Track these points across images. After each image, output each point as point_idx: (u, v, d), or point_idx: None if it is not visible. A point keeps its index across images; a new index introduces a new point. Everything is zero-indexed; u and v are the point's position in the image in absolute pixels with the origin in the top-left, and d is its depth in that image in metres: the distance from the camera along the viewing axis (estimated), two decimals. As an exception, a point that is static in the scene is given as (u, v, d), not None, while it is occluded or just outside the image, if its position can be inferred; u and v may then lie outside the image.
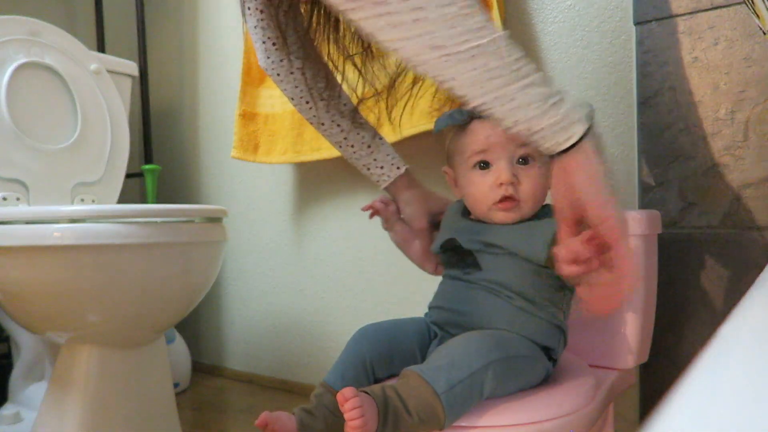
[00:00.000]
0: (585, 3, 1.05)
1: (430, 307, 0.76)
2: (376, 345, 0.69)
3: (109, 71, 1.42)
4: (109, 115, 1.37)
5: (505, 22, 1.11)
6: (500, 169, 0.67)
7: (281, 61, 0.78)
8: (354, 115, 0.83)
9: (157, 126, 1.78)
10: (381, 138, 0.83)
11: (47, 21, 1.30)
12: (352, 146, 0.82)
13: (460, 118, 0.70)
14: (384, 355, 0.69)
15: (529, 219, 0.69)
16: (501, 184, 0.67)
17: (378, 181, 0.83)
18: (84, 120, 1.31)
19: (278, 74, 0.79)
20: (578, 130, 0.53)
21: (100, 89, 1.36)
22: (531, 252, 0.66)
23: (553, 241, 0.64)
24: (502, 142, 0.67)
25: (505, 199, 0.67)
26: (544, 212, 0.70)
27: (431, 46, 0.48)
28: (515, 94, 0.51)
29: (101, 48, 1.68)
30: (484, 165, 0.69)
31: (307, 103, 0.81)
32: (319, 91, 0.80)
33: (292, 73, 0.79)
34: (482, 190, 0.69)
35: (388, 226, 0.84)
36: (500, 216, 0.69)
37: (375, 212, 0.84)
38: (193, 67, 1.73)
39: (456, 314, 0.70)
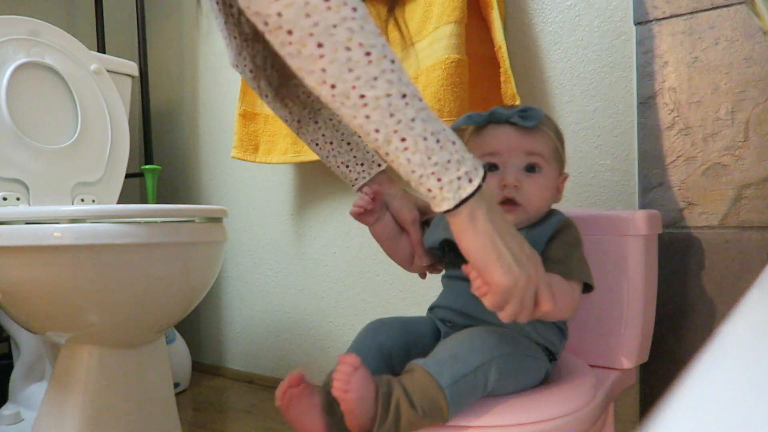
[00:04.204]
0: (585, 3, 1.05)
1: (433, 307, 0.76)
2: (394, 335, 0.69)
3: (109, 71, 1.42)
4: (109, 115, 1.37)
5: (505, 22, 1.11)
6: (505, 173, 0.69)
7: (254, 57, 0.75)
8: (329, 112, 0.80)
9: (157, 126, 1.78)
10: (359, 136, 0.81)
11: (47, 21, 1.30)
12: (331, 143, 0.79)
13: (478, 120, 0.72)
14: (402, 347, 0.69)
15: (535, 223, 0.70)
16: (504, 186, 0.69)
17: (356, 179, 0.79)
18: (84, 120, 1.31)
19: (251, 71, 0.76)
20: (462, 194, 0.51)
21: (100, 89, 1.36)
22: None
23: (549, 242, 0.67)
24: (512, 148, 0.69)
25: (507, 201, 0.69)
26: (549, 217, 0.71)
27: (323, 81, 0.47)
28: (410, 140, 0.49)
29: (101, 48, 1.68)
30: (492, 167, 0.70)
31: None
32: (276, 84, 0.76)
33: (265, 70, 0.75)
34: None
35: (373, 219, 0.77)
36: None
37: (364, 209, 0.77)
38: (193, 67, 1.73)
39: (462, 316, 0.71)
